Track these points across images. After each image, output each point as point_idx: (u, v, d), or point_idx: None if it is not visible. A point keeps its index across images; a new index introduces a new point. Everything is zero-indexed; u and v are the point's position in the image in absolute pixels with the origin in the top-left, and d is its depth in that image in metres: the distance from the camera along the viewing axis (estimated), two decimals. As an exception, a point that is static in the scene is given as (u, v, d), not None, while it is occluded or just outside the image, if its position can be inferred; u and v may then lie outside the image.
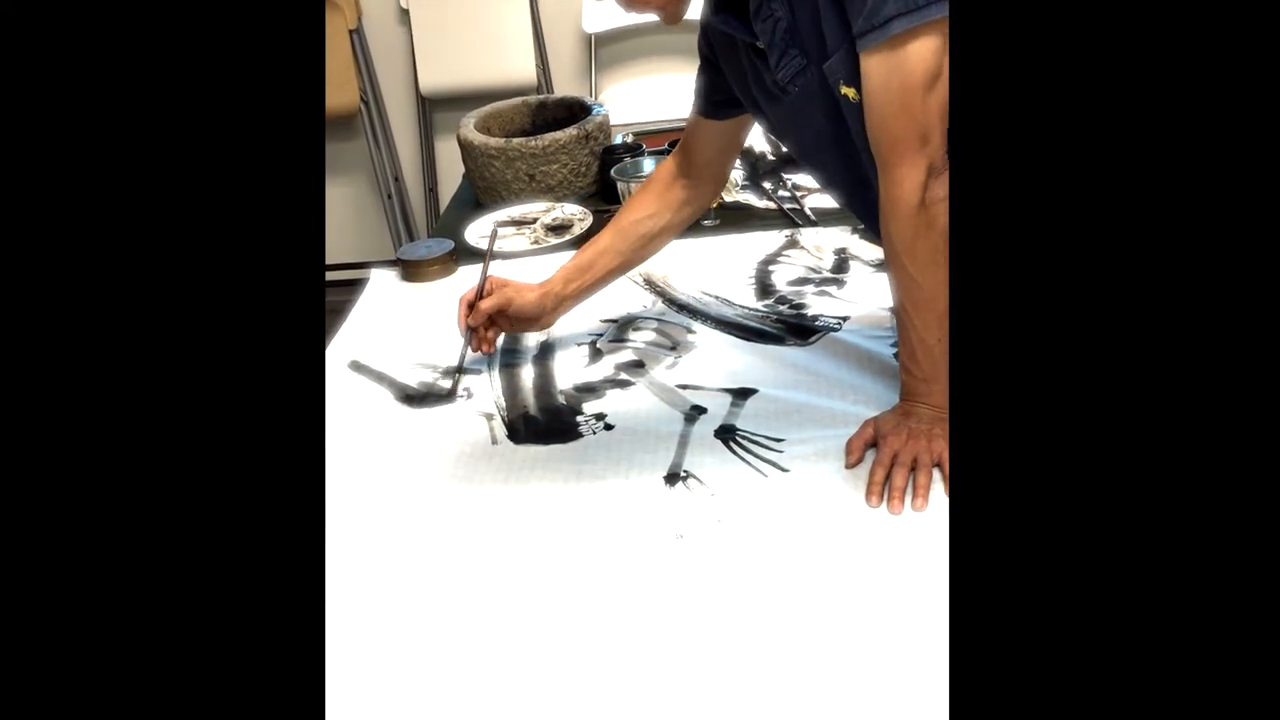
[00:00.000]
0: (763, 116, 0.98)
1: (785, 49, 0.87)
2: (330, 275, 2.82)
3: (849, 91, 0.84)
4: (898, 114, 0.80)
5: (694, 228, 1.41)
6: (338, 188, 2.79)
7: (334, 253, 2.83)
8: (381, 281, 1.34)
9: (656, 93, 2.57)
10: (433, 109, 2.68)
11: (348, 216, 2.82)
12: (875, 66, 0.80)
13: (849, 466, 0.88)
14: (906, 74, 0.78)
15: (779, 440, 0.93)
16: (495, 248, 1.13)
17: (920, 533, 0.80)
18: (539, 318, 1.10)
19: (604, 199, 1.52)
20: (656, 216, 1.11)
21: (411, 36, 2.58)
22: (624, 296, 1.23)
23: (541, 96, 1.68)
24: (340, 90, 2.54)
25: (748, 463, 0.90)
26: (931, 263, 0.83)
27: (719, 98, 1.03)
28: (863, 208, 0.95)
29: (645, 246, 1.13)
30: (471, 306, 1.08)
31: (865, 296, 1.17)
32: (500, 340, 1.16)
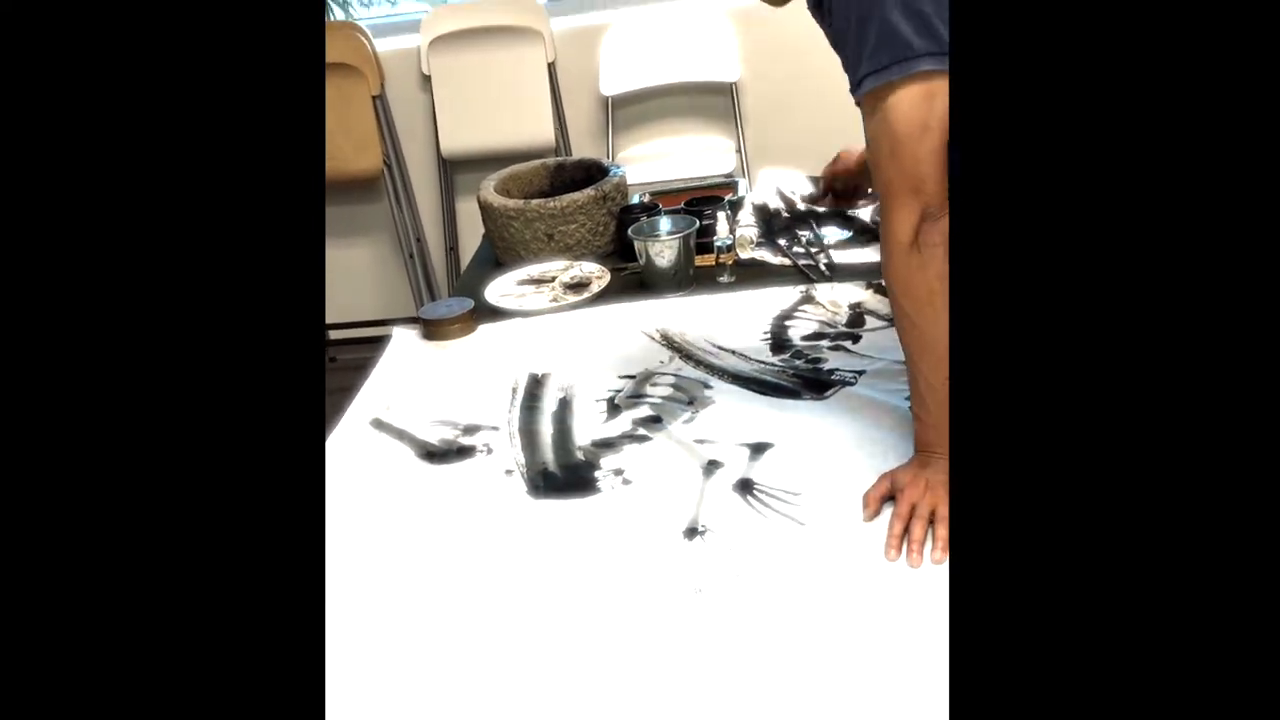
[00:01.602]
0: None
1: None
2: (353, 333, 2.87)
3: None
4: (888, 161, 0.84)
5: (710, 285, 1.43)
6: (360, 248, 2.85)
7: (357, 310, 2.88)
8: (403, 340, 1.36)
9: (672, 152, 2.62)
10: (453, 170, 2.74)
11: (371, 275, 2.88)
12: (865, 117, 0.85)
13: (866, 520, 0.88)
14: (889, 125, 0.82)
15: (796, 494, 0.93)
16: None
17: (940, 585, 0.80)
18: None
19: (621, 257, 1.54)
20: None
21: (433, 101, 2.64)
22: (641, 352, 1.25)
23: (560, 159, 1.72)
24: (364, 154, 2.60)
25: (765, 517, 0.91)
26: (928, 304, 0.85)
27: None
28: None
29: None
30: None
31: (880, 351, 1.18)
32: (519, 397, 1.17)
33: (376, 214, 2.77)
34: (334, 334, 2.92)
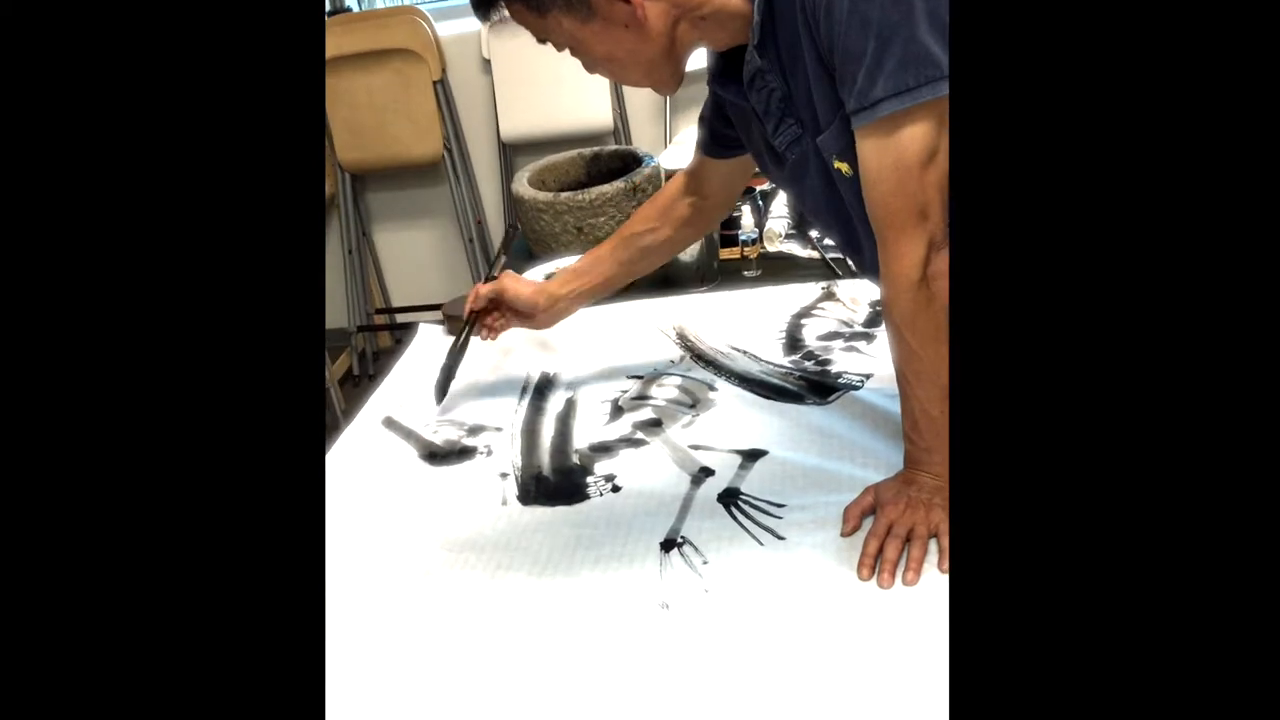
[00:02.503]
0: (769, 173, 0.99)
1: (781, 118, 0.87)
2: (414, 317, 2.94)
3: (842, 166, 0.83)
4: (894, 191, 0.79)
5: (735, 279, 1.42)
6: (423, 230, 2.91)
7: (420, 293, 2.95)
8: (427, 336, 1.39)
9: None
10: (514, 154, 2.77)
11: (434, 258, 2.94)
12: (869, 146, 0.79)
13: (844, 534, 0.87)
14: (900, 152, 0.77)
15: (780, 505, 0.92)
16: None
17: (910, 607, 0.78)
18: (534, 314, 1.17)
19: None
20: (658, 231, 1.14)
21: (493, 85, 2.67)
22: (654, 350, 1.25)
23: (595, 149, 1.72)
24: (425, 138, 2.65)
25: (745, 529, 0.90)
26: (934, 337, 0.81)
27: (721, 142, 1.05)
28: (856, 263, 0.97)
29: (644, 259, 1.17)
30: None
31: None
32: (529, 396, 1.19)
33: (438, 197, 2.83)
34: (400, 317, 3.00)
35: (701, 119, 1.06)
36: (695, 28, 0.83)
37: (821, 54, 0.78)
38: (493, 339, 1.22)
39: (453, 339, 1.21)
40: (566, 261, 1.53)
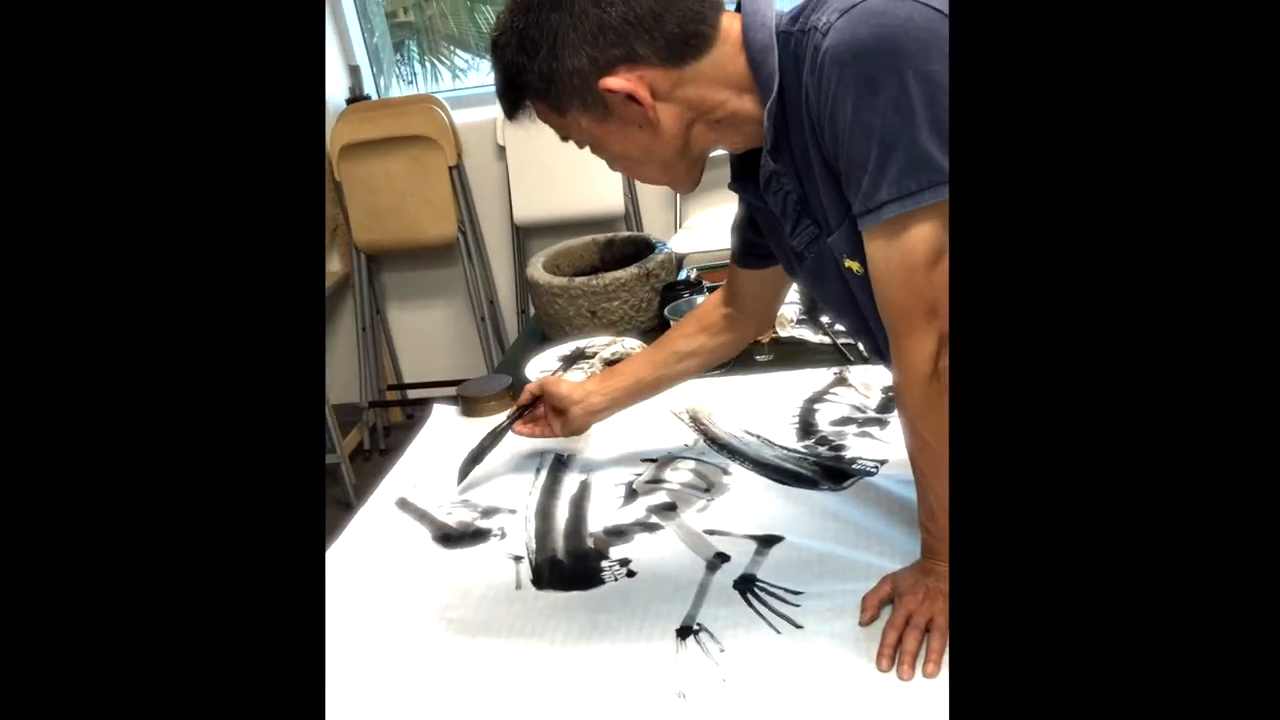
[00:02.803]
0: (793, 273, 1.00)
1: (798, 219, 0.89)
2: (429, 393, 2.96)
3: (852, 265, 0.85)
4: (903, 290, 0.80)
5: (747, 363, 1.43)
6: (436, 309, 2.95)
7: (431, 371, 2.97)
8: (441, 417, 1.40)
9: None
10: (526, 236, 2.82)
11: (445, 336, 2.98)
12: (876, 247, 0.80)
13: (862, 624, 0.86)
14: (906, 253, 0.78)
15: (797, 593, 0.92)
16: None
17: (931, 700, 0.77)
18: (567, 407, 1.19)
19: (663, 333, 1.55)
20: (692, 338, 1.17)
21: (508, 171, 2.73)
22: (667, 432, 1.25)
23: (610, 235, 1.76)
24: (440, 221, 2.70)
25: (762, 616, 0.90)
26: (946, 429, 0.82)
27: (752, 252, 1.06)
28: (873, 353, 0.98)
29: (678, 362, 1.18)
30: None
31: (906, 439, 1.15)
32: (542, 478, 1.19)
33: (452, 278, 2.87)
34: (411, 393, 3.02)
35: (734, 228, 1.08)
36: (711, 130, 0.85)
37: (827, 159, 0.80)
38: (530, 432, 1.23)
39: (494, 424, 1.23)
40: (577, 346, 1.55)
